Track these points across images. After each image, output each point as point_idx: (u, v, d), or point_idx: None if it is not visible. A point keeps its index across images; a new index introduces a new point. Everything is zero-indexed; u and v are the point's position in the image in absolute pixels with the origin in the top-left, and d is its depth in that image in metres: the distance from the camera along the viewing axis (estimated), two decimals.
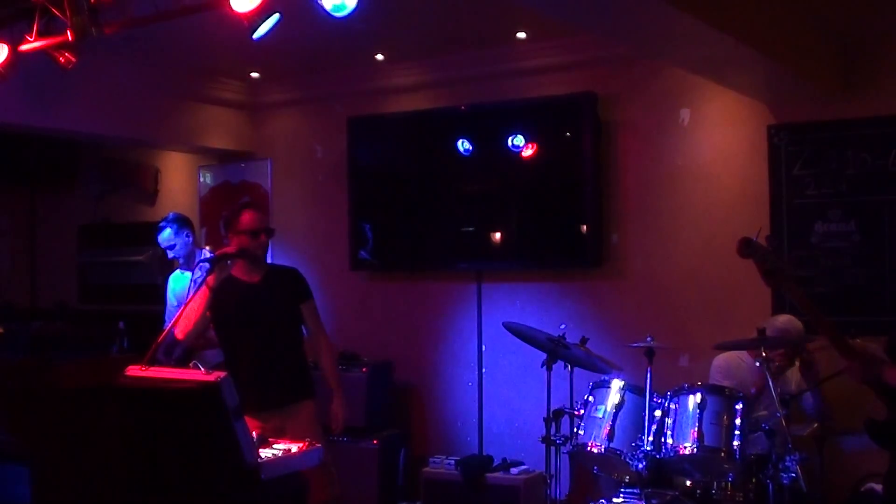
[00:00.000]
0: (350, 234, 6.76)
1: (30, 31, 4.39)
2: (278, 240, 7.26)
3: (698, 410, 4.39)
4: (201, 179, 7.68)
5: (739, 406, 4.35)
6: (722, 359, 5.00)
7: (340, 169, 6.86)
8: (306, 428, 4.49)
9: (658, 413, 4.56)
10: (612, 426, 4.63)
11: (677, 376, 5.28)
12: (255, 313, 4.71)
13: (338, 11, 3.88)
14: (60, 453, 5.44)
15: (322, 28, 5.01)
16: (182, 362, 5.17)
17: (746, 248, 3.26)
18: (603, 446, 4.61)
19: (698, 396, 4.44)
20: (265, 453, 3.84)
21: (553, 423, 4.94)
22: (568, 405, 4.98)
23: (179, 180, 7.85)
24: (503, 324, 5.14)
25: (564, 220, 6.12)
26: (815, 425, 4.54)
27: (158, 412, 3.87)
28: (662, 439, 4.49)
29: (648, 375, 4.60)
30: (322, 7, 3.90)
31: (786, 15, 4.79)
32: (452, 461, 5.94)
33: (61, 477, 5.43)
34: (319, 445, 4.09)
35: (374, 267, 6.83)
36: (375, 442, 6.19)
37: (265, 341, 4.67)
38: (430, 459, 6.14)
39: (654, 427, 4.52)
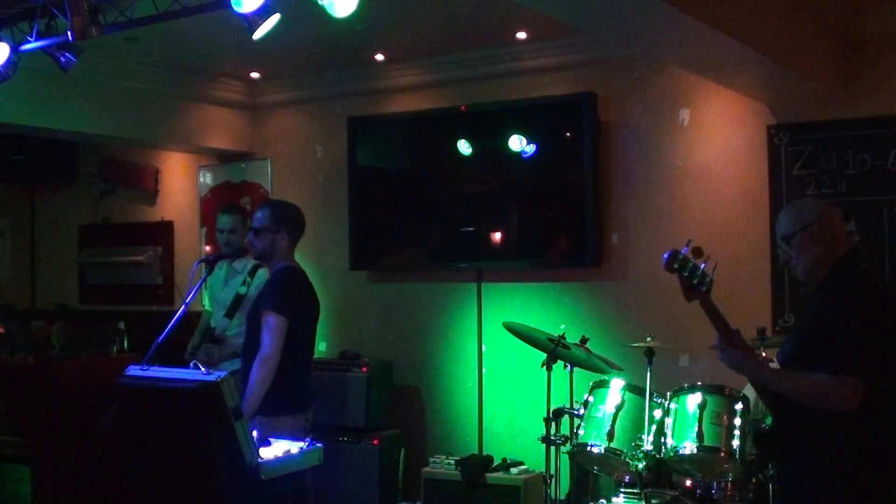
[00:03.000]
0: (350, 234, 6.76)
1: (30, 31, 4.40)
2: None
3: (698, 410, 4.39)
4: (201, 179, 7.68)
5: (739, 406, 4.36)
6: None
7: (340, 169, 6.86)
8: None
9: (658, 413, 4.57)
10: (612, 426, 4.63)
11: (677, 376, 5.28)
12: (247, 316, 4.65)
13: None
14: (61, 453, 5.45)
15: (322, 28, 5.02)
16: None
17: (674, 262, 2.98)
18: (603, 446, 4.61)
19: (698, 396, 4.44)
20: (265, 453, 3.85)
21: (553, 423, 4.95)
22: (568, 405, 4.98)
23: (179, 180, 7.84)
24: (503, 324, 5.14)
25: (564, 220, 6.12)
26: None
27: (158, 412, 3.87)
28: (662, 439, 4.49)
29: (648, 375, 4.61)
30: (322, 7, 3.91)
31: (786, 15, 4.79)
32: (452, 461, 5.94)
33: (61, 477, 5.43)
34: (320, 445, 4.10)
35: (374, 267, 6.83)
36: (375, 442, 6.19)
37: (245, 346, 4.56)
38: (430, 459, 6.13)
39: (654, 427, 4.52)
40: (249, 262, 5.38)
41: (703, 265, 2.99)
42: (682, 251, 2.99)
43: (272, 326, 4.32)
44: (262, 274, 5.23)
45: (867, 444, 2.98)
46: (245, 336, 4.56)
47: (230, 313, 5.07)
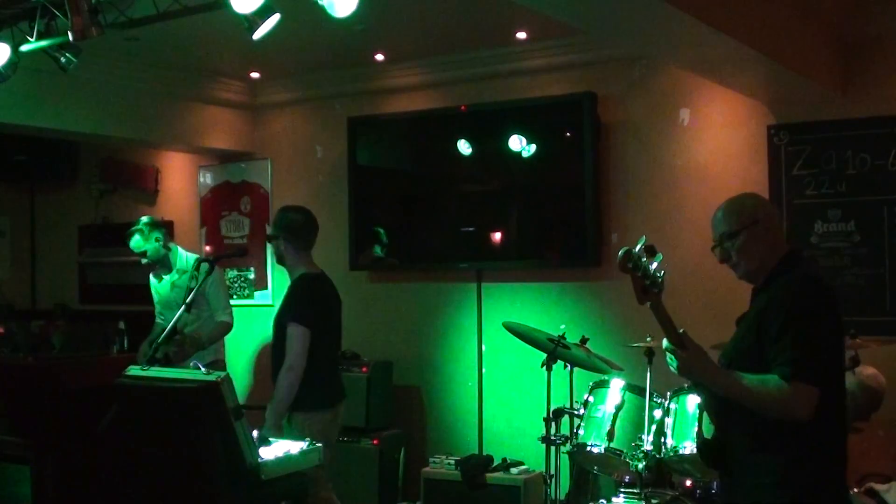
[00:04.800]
0: (350, 234, 6.76)
1: (30, 31, 4.39)
2: None
3: (698, 410, 4.39)
4: (201, 179, 7.68)
5: None
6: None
7: (340, 169, 6.86)
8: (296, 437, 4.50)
9: (658, 413, 4.57)
10: (612, 426, 4.64)
11: (677, 376, 5.27)
12: (273, 323, 4.83)
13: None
14: (61, 453, 5.45)
15: (322, 28, 5.02)
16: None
17: (628, 262, 2.79)
18: (603, 446, 4.61)
19: (698, 396, 4.44)
20: (265, 453, 3.85)
21: (553, 423, 4.95)
22: (568, 405, 4.98)
23: (179, 180, 7.84)
24: (503, 324, 5.14)
25: (564, 220, 6.12)
26: None
27: (158, 412, 3.87)
28: (662, 439, 4.49)
29: (648, 375, 4.60)
30: (322, 7, 3.91)
31: (786, 15, 4.79)
32: (452, 461, 5.94)
33: (61, 477, 5.43)
34: (320, 445, 4.11)
35: (374, 267, 6.83)
36: (375, 442, 6.19)
37: (273, 353, 4.78)
38: (430, 459, 6.13)
39: (654, 427, 4.52)
40: (190, 258, 5.79)
41: (654, 265, 2.85)
42: (636, 250, 2.83)
43: (295, 337, 4.59)
44: (205, 267, 5.23)
45: (815, 449, 2.89)
46: (273, 343, 4.79)
47: (188, 308, 5.18)
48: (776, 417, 2.84)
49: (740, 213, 3.07)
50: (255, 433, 3.87)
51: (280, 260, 4.84)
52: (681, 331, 2.95)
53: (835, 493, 2.98)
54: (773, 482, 2.91)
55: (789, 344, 2.81)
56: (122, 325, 6.43)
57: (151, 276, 6.08)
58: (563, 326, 4.97)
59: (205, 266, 4.96)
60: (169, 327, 4.76)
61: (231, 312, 5.88)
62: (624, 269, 2.82)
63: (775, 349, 2.84)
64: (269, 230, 4.84)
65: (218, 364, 5.83)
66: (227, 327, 5.83)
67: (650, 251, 2.85)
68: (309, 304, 4.70)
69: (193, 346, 5.58)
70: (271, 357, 4.84)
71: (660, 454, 4.46)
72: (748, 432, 2.96)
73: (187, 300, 4.63)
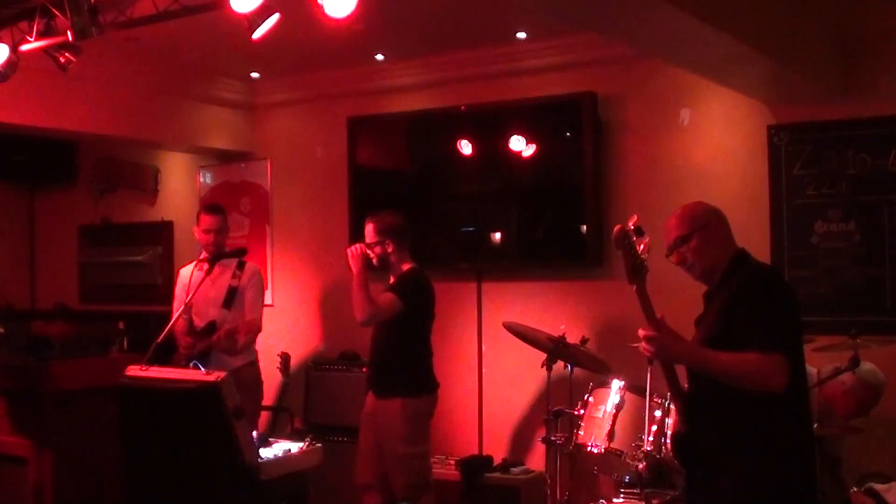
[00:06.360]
0: (350, 234, 6.75)
1: (30, 31, 4.39)
2: (278, 240, 7.28)
3: None
4: (201, 179, 7.68)
5: None
6: None
7: (340, 169, 6.86)
8: (389, 422, 4.90)
9: (658, 413, 4.57)
10: (612, 426, 4.64)
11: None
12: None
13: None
14: (61, 453, 5.45)
15: (322, 28, 5.02)
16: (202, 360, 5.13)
17: (624, 239, 2.97)
18: (603, 446, 4.61)
19: None
20: (265, 453, 3.85)
21: (553, 423, 4.95)
22: (568, 405, 4.98)
23: (179, 180, 7.84)
24: (503, 324, 5.14)
25: (564, 220, 6.12)
26: (815, 425, 4.54)
27: (158, 412, 3.88)
28: (662, 439, 4.49)
29: (648, 375, 4.60)
30: (322, 6, 3.91)
31: (786, 15, 4.79)
32: (452, 461, 5.94)
33: (61, 477, 5.43)
34: (320, 445, 4.11)
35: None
36: None
37: (374, 333, 5.11)
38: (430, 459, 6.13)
39: (654, 427, 4.52)
40: (232, 259, 5.75)
41: (641, 247, 2.98)
42: (630, 228, 2.97)
43: (388, 300, 4.93)
44: (252, 267, 5.69)
45: (784, 449, 3.00)
46: (374, 334, 5.09)
47: (227, 304, 5.22)
48: (753, 389, 2.95)
49: (692, 218, 3.27)
50: (254, 433, 3.88)
51: (384, 262, 5.10)
52: (660, 316, 3.09)
53: (804, 494, 3.06)
54: (743, 481, 2.99)
55: (760, 322, 2.97)
56: (121, 325, 6.41)
57: (190, 272, 5.76)
58: (563, 326, 4.97)
59: (241, 265, 5.06)
60: (168, 325, 4.77)
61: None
62: (619, 246, 2.98)
63: (747, 331, 2.98)
64: (372, 237, 5.06)
65: (255, 366, 5.71)
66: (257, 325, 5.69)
67: (638, 232, 2.99)
68: (417, 290, 5.01)
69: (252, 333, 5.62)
70: (373, 350, 5.12)
71: (660, 454, 4.46)
72: (718, 432, 3.07)
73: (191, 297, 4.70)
